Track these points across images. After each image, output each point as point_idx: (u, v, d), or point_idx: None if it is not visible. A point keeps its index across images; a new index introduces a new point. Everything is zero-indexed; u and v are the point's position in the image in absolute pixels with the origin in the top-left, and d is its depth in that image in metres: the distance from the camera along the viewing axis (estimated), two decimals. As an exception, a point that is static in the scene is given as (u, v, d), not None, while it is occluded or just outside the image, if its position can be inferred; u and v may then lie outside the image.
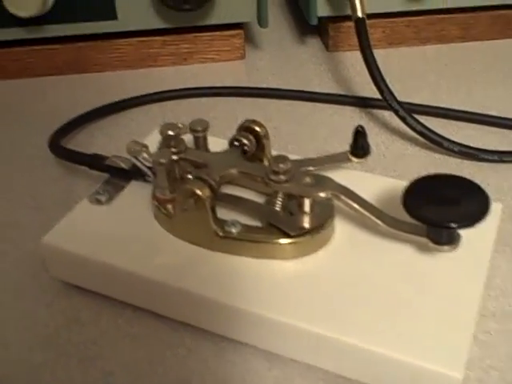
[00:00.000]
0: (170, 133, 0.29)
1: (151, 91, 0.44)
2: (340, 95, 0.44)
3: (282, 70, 0.48)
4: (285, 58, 0.50)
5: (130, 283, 0.28)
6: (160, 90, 0.44)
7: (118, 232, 0.29)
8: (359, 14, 0.40)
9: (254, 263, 0.27)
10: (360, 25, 0.40)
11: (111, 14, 0.45)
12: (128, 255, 0.28)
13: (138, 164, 0.30)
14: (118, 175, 0.32)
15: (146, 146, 0.29)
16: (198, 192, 0.27)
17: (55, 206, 0.35)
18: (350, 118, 0.42)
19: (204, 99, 0.45)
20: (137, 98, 0.43)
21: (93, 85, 0.46)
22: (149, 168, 0.30)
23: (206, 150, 0.31)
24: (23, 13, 0.42)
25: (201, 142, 0.31)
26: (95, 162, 0.32)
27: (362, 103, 0.43)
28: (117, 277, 0.28)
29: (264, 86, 0.45)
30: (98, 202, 0.30)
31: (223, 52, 0.48)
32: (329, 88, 0.45)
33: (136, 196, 0.31)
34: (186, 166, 0.29)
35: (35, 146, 0.40)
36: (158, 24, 0.46)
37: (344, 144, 0.31)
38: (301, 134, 0.41)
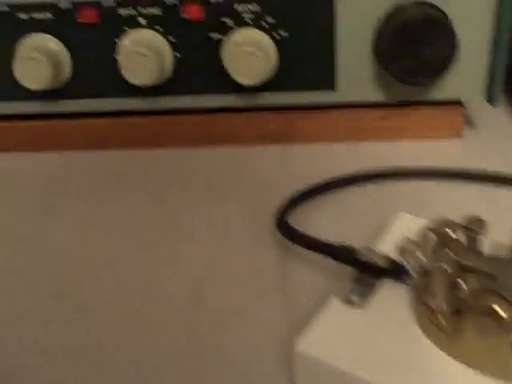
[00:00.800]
0: (450, 233, 0.26)
1: (362, 167, 0.41)
2: None
3: (502, 152, 0.44)
4: (504, 137, 0.45)
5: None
6: (371, 165, 0.41)
7: (379, 344, 0.25)
8: None
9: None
10: None
11: (330, 85, 0.42)
12: (395, 375, 0.24)
13: (406, 265, 0.26)
14: (369, 271, 0.28)
15: (420, 245, 0.26)
16: (501, 312, 0.23)
17: (277, 291, 0.32)
18: None
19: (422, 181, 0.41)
20: (355, 176, 0.40)
21: (301, 156, 0.44)
22: (415, 269, 0.26)
23: (477, 251, 0.27)
24: (246, 81, 0.40)
25: (471, 243, 0.27)
26: (343, 253, 0.29)
27: None
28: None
29: (487, 168, 0.41)
30: (352, 303, 0.27)
31: (440, 129, 0.44)
32: None
33: (391, 297, 0.27)
34: (460, 273, 0.26)
35: (249, 220, 0.37)
36: (378, 97, 0.43)
37: None
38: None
